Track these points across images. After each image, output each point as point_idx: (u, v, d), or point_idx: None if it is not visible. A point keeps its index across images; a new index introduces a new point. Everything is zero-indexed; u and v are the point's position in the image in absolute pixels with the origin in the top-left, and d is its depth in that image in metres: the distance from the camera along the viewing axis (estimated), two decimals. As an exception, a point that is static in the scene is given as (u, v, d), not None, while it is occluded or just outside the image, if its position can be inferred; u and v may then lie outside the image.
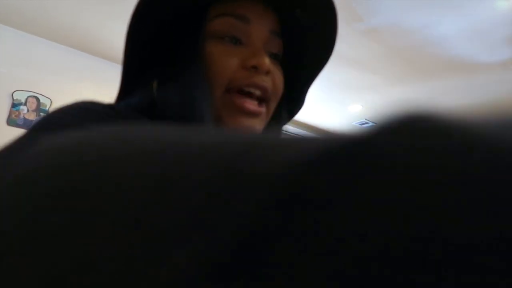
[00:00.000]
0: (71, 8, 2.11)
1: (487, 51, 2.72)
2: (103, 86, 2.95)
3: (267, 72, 0.45)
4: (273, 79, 0.47)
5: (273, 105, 0.49)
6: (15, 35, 2.35)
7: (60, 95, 2.91)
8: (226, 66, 0.44)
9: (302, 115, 4.25)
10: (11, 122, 2.81)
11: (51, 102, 2.94)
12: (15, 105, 2.82)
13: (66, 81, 2.90)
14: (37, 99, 2.91)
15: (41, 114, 2.95)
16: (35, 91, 2.86)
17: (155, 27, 0.46)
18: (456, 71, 3.05)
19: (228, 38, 0.45)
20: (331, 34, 0.50)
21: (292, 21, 0.50)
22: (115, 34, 2.66)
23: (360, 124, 4.59)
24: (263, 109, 0.46)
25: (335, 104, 3.89)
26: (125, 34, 0.46)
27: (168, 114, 0.43)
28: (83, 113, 0.31)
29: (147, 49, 0.47)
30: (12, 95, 2.77)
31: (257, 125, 0.46)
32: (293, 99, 0.59)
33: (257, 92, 0.45)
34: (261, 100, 0.46)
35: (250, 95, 0.45)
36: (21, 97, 2.84)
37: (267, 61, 0.44)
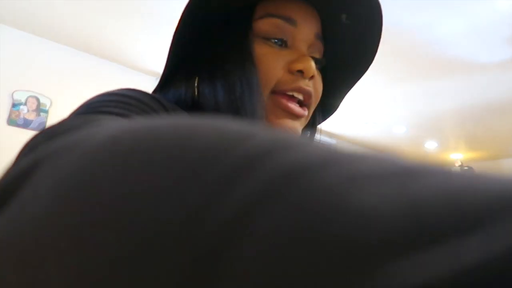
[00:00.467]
0: (71, 8, 2.11)
1: (487, 51, 2.72)
2: (104, 86, 2.93)
3: (312, 77, 0.45)
4: (314, 84, 0.47)
5: (312, 110, 0.49)
6: (15, 35, 2.35)
7: (60, 95, 2.91)
8: (272, 69, 0.44)
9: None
10: (11, 122, 2.81)
11: (51, 102, 2.94)
12: (15, 105, 2.83)
13: (66, 81, 2.90)
14: (37, 99, 2.91)
15: (41, 114, 2.95)
16: (35, 91, 2.86)
17: (202, 24, 0.46)
18: (456, 71, 3.05)
19: (275, 40, 0.45)
20: (374, 42, 0.49)
21: (335, 26, 0.49)
22: (116, 34, 2.66)
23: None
24: (306, 112, 0.46)
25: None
26: (174, 29, 0.45)
27: (209, 110, 0.43)
28: (129, 102, 0.31)
29: (190, 46, 0.47)
30: (12, 95, 2.77)
31: (299, 127, 0.47)
32: (326, 104, 0.59)
33: (300, 97, 0.45)
34: (303, 104, 0.46)
35: (293, 99, 0.45)
36: (21, 97, 2.84)
37: (313, 65, 0.44)
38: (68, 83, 2.91)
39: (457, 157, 6.49)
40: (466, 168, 6.11)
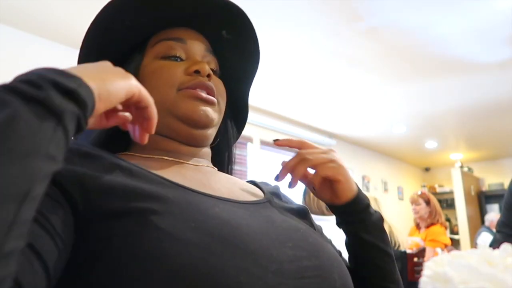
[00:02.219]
0: (72, 8, 2.11)
1: (487, 51, 2.72)
2: (103, 86, 2.94)
3: (209, 76, 0.53)
4: (215, 85, 0.54)
5: (222, 107, 0.56)
6: (15, 34, 2.36)
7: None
8: (173, 74, 0.52)
9: (301, 114, 4.25)
10: (11, 122, 2.81)
11: (51, 102, 2.94)
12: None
13: (66, 81, 2.90)
14: (37, 99, 2.91)
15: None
16: (35, 91, 2.85)
17: (104, 56, 0.53)
18: (456, 71, 3.05)
19: (171, 57, 0.54)
20: (254, 44, 0.60)
21: (222, 42, 0.60)
22: (115, 34, 2.66)
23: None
24: (214, 99, 0.53)
25: (335, 103, 3.89)
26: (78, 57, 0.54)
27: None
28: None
29: None
30: (12, 95, 2.77)
31: (212, 112, 0.53)
32: (239, 109, 0.66)
33: (203, 93, 0.52)
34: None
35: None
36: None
37: (206, 66, 0.52)
38: (68, 83, 2.91)
39: (457, 157, 6.49)
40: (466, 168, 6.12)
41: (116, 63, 0.52)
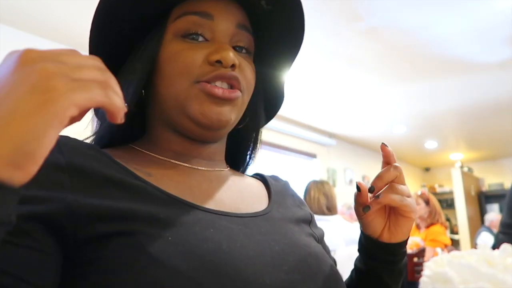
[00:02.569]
0: (71, 8, 2.11)
1: (487, 51, 2.72)
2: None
3: (233, 66, 0.45)
4: (242, 72, 0.47)
5: (246, 97, 0.49)
6: (15, 34, 2.35)
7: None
8: (191, 61, 0.45)
9: (301, 114, 4.25)
10: (11, 122, 2.81)
11: (51, 102, 2.94)
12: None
13: (66, 81, 2.90)
14: (37, 99, 2.91)
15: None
16: (35, 91, 2.85)
17: (117, 38, 0.48)
18: (456, 71, 3.05)
19: (193, 36, 0.46)
20: (298, 22, 0.51)
21: (260, 14, 0.50)
22: (115, 34, 2.65)
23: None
24: (235, 94, 0.46)
25: (335, 103, 3.89)
26: (88, 47, 0.48)
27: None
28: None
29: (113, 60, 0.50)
30: (12, 95, 2.77)
31: (229, 112, 0.46)
32: (272, 95, 0.60)
33: (224, 85, 0.45)
34: (233, 88, 0.46)
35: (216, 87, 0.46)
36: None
37: (230, 54, 0.44)
38: (68, 83, 2.91)
39: (457, 157, 6.49)
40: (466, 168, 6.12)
41: (133, 41, 0.48)
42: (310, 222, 0.55)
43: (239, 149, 0.59)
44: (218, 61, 0.44)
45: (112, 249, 0.33)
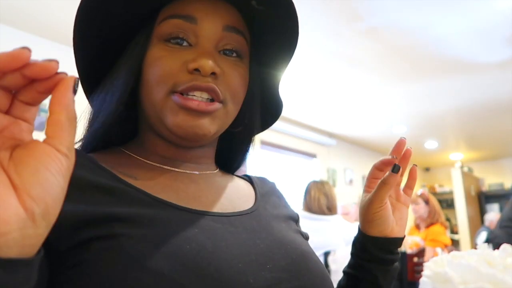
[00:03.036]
0: (71, 8, 2.10)
1: (487, 51, 2.72)
2: (103, 86, 2.93)
3: (214, 74, 0.43)
4: (225, 81, 0.45)
5: (232, 106, 0.47)
6: (15, 34, 2.35)
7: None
8: (168, 70, 0.43)
9: (301, 114, 4.25)
10: (11, 122, 2.80)
11: (51, 102, 2.94)
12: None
13: (66, 81, 2.90)
14: (37, 99, 2.90)
15: (41, 114, 2.95)
16: (35, 91, 2.85)
17: (102, 41, 0.47)
18: (456, 71, 3.05)
19: (175, 40, 0.44)
20: (292, 22, 0.48)
21: (252, 14, 0.48)
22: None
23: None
24: (212, 107, 0.43)
25: (335, 103, 3.89)
26: (74, 50, 0.48)
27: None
28: None
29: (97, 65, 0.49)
30: (12, 95, 2.77)
31: (208, 124, 0.44)
32: (270, 99, 0.58)
33: (204, 95, 0.43)
34: (215, 101, 0.44)
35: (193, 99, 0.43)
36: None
37: (209, 63, 0.42)
38: (68, 83, 2.91)
39: (457, 157, 6.49)
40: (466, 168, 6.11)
41: (120, 43, 0.47)
42: (296, 221, 0.55)
43: (231, 151, 0.57)
44: (196, 69, 0.42)
45: (94, 253, 0.33)
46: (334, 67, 2.98)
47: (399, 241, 0.53)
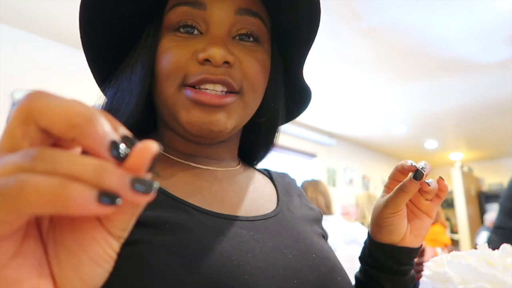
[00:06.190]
0: (71, 8, 2.11)
1: (487, 51, 2.72)
2: (103, 86, 2.94)
3: (228, 63, 0.40)
4: (241, 69, 0.41)
5: (251, 96, 0.43)
6: (15, 34, 2.36)
7: (60, 94, 2.91)
8: (176, 62, 0.40)
9: (301, 114, 4.25)
10: (11, 121, 2.81)
11: (51, 101, 2.94)
12: (15, 104, 2.83)
13: (66, 80, 2.90)
14: (37, 99, 2.91)
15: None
16: (35, 91, 2.85)
17: (112, 34, 0.44)
18: (456, 71, 3.05)
19: (184, 29, 0.41)
20: (311, 4, 0.44)
21: None
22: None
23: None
24: (226, 100, 0.40)
25: (335, 103, 3.89)
26: (82, 42, 0.44)
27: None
28: None
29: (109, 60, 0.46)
30: (12, 94, 2.78)
31: (224, 119, 0.41)
32: (293, 88, 0.54)
33: (218, 88, 0.40)
34: (229, 92, 0.41)
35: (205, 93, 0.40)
36: (21, 96, 2.83)
37: (220, 52, 0.39)
38: (68, 82, 2.92)
39: (457, 157, 6.48)
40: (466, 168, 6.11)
41: (131, 35, 0.43)
42: (320, 221, 0.53)
43: (255, 143, 0.54)
44: (207, 60, 0.39)
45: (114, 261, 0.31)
46: (334, 67, 2.97)
47: (412, 251, 0.48)
